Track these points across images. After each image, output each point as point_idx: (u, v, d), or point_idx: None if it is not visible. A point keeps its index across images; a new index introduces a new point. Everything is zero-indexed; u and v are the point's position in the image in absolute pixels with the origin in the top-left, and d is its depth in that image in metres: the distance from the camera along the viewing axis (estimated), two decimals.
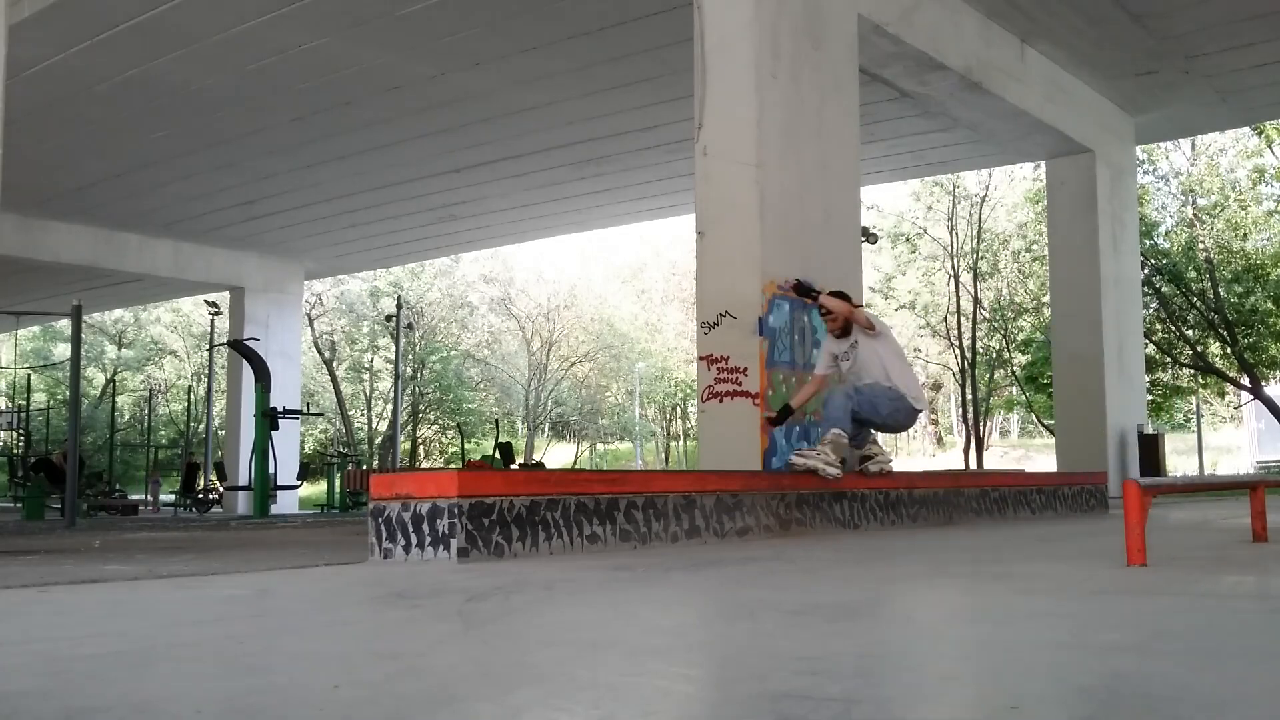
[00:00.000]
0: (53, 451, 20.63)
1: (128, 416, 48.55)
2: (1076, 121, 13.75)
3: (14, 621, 2.92)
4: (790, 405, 7.48)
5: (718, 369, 8.14)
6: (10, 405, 33.87)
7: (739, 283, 8.09)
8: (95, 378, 47.32)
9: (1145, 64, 13.29)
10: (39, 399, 35.57)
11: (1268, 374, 24.52)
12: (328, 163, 17.06)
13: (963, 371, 29.09)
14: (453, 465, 32.90)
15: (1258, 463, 33.18)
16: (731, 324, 8.10)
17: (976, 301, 28.41)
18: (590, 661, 2.09)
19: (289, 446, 21.13)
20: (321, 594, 3.63)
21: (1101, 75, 13.75)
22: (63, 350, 44.30)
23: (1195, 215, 24.16)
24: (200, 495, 21.24)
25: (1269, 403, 23.96)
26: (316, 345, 42.68)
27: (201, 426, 34.14)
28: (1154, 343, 23.20)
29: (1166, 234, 24.66)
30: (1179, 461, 31.70)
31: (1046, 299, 21.33)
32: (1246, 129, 21.92)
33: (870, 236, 17.59)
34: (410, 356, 42.21)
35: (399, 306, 29.57)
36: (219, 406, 35.61)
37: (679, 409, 49.66)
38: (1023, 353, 28.62)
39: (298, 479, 21.02)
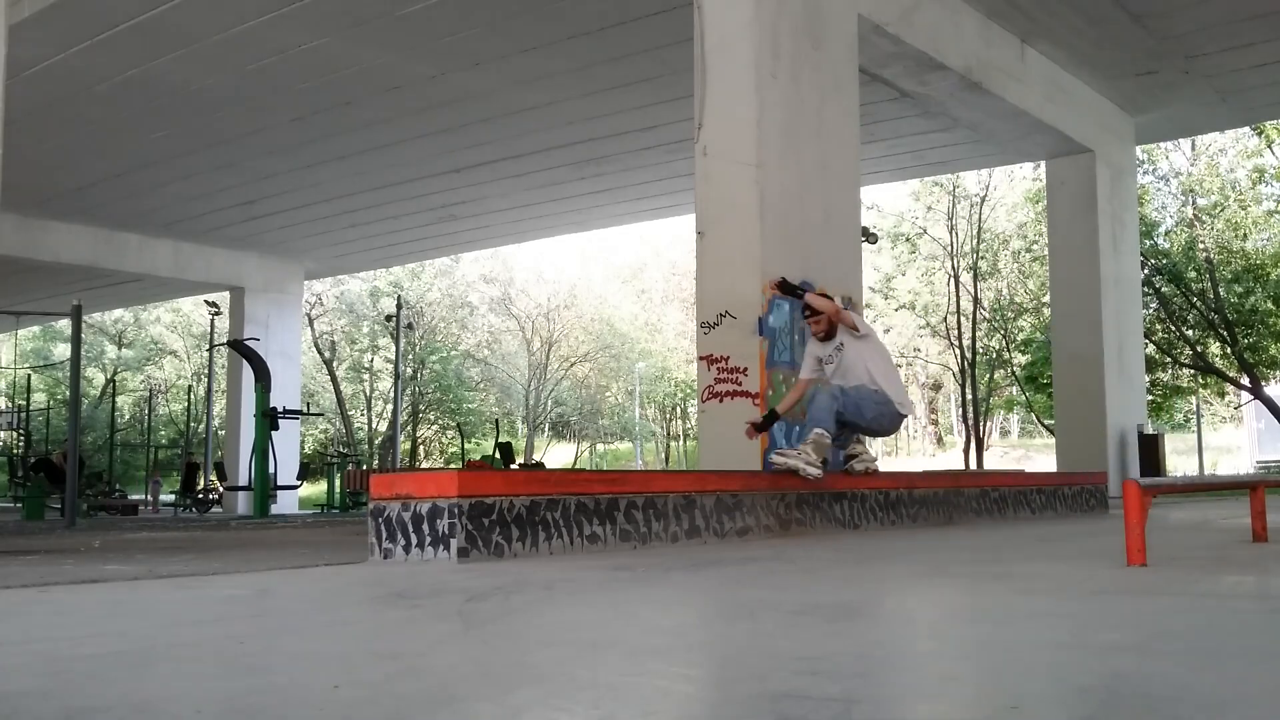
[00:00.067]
0: (53, 451, 20.63)
1: (128, 416, 48.56)
2: (1076, 121, 13.75)
3: (14, 621, 2.92)
4: (776, 411, 7.35)
5: (718, 369, 8.14)
6: (10, 405, 33.87)
7: (739, 283, 8.09)
8: (95, 378, 47.33)
9: (1145, 64, 13.30)
10: (39, 399, 35.58)
11: (1268, 374, 24.52)
12: (328, 163, 17.06)
13: (963, 371, 29.09)
14: (453, 465, 32.90)
15: (1258, 463, 33.19)
16: (731, 324, 8.10)
17: (976, 301, 28.41)
18: (590, 661, 2.09)
19: (289, 446, 21.14)
20: (321, 594, 3.62)
21: (1101, 75, 13.75)
22: (63, 350, 44.31)
23: (1195, 215, 24.17)
24: (200, 495, 21.25)
25: (1269, 403, 23.97)
26: (316, 345, 42.68)
27: (201, 426, 34.15)
28: (1154, 343, 23.20)
29: (1166, 234, 24.67)
30: (1179, 461, 31.71)
31: (1046, 299, 21.33)
32: (1246, 129, 21.93)
33: (870, 236, 17.59)
34: (410, 356, 42.22)
35: (399, 306, 29.57)
36: (219, 406, 35.61)
37: (679, 409, 49.68)
38: (1023, 353, 28.63)
39: (298, 479, 21.02)
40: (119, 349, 47.73)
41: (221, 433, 31.71)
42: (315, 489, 31.71)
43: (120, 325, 47.29)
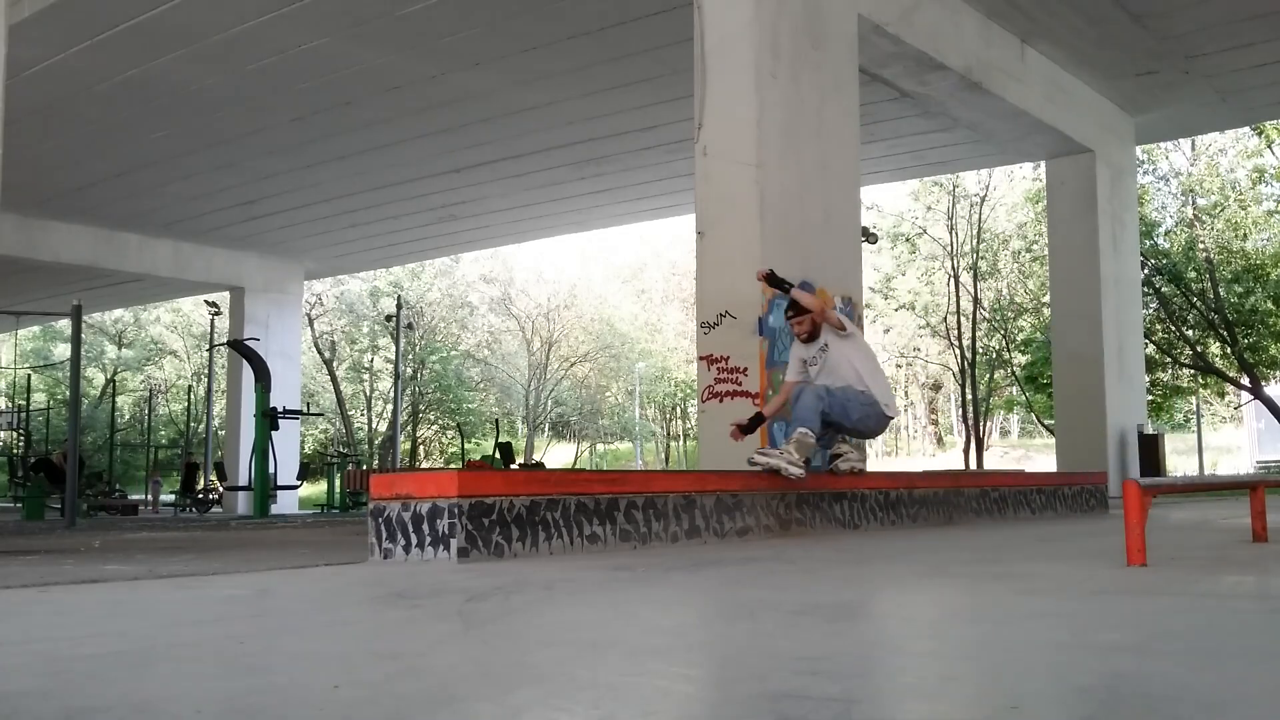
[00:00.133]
0: (53, 451, 20.63)
1: (128, 416, 48.56)
2: (1076, 121, 13.75)
3: (14, 621, 2.92)
4: (763, 414, 7.23)
5: (718, 369, 8.14)
6: (10, 405, 33.87)
7: (739, 283, 8.09)
8: (95, 378, 47.33)
9: (1145, 64, 13.30)
10: (39, 399, 35.58)
11: (1268, 374, 24.53)
12: (328, 163, 17.07)
13: (963, 371, 29.09)
14: (453, 465, 32.90)
15: (1258, 463, 33.21)
16: (731, 324, 8.10)
17: (976, 301, 28.41)
18: (590, 661, 2.08)
19: (289, 446, 21.14)
20: (321, 594, 3.62)
21: (1101, 75, 13.75)
22: (63, 350, 44.31)
23: (1195, 215, 24.17)
24: (200, 495, 21.25)
25: (1269, 403, 23.97)
26: (316, 345, 42.69)
27: (201, 426, 34.16)
28: (1154, 343, 23.20)
29: (1166, 234, 24.67)
30: (1179, 461, 31.71)
31: (1046, 299, 21.33)
32: (1246, 129, 21.93)
33: (870, 236, 17.58)
34: (410, 356, 42.23)
35: (399, 306, 29.58)
36: (219, 406, 35.62)
37: (679, 409, 49.69)
38: (1023, 353, 28.63)
39: (298, 479, 21.03)
40: (119, 349, 47.73)
41: (221, 433, 31.71)
42: (315, 489, 31.71)
43: (120, 325, 47.29)
